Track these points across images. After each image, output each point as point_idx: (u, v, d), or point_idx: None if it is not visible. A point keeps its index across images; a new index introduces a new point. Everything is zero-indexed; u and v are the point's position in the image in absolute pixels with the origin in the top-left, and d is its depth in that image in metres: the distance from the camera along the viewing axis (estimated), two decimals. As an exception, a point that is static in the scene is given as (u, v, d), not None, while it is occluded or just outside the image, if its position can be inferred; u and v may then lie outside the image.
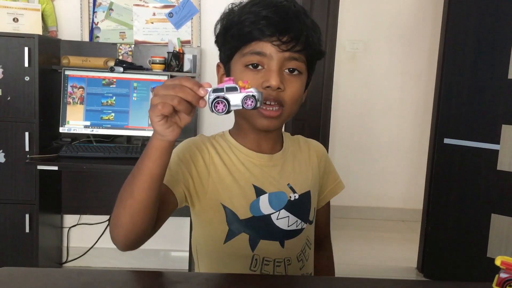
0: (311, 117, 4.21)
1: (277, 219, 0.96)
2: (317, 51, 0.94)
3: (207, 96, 0.69)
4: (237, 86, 0.70)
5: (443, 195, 2.88)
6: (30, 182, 2.46)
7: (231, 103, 0.69)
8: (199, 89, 0.69)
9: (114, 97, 2.62)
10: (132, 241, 0.78)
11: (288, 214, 0.97)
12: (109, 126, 2.61)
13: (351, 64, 4.08)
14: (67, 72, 2.58)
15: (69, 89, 2.58)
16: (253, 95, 0.70)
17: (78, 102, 2.59)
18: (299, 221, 0.98)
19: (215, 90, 0.70)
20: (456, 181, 2.81)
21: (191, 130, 2.71)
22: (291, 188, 0.98)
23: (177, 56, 2.72)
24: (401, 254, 3.38)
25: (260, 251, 0.95)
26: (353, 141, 4.14)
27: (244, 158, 0.97)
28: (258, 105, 0.70)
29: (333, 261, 1.21)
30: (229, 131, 1.03)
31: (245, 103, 0.70)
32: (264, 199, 0.95)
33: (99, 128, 2.60)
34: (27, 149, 2.42)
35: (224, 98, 0.69)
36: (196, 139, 0.98)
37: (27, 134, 2.41)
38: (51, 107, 2.58)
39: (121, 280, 0.55)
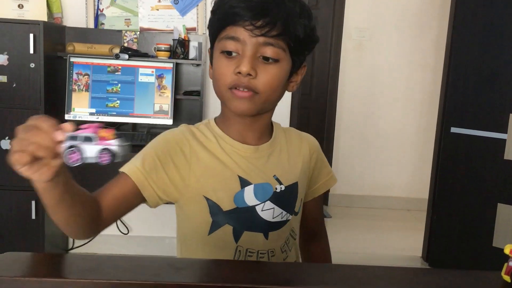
0: (317, 106, 4.19)
1: (262, 210, 0.94)
2: (301, 38, 0.88)
3: (65, 139, 0.61)
4: (94, 136, 0.62)
5: (449, 184, 2.86)
6: (36, 169, 2.46)
7: (86, 155, 0.62)
8: (55, 133, 0.61)
9: (119, 84, 2.61)
10: (81, 235, 0.77)
11: (273, 205, 0.95)
12: (115, 113, 2.61)
13: (357, 52, 4.05)
14: (72, 59, 2.57)
15: (75, 76, 2.57)
16: (109, 149, 0.62)
17: (84, 89, 2.58)
18: (284, 212, 0.97)
19: (70, 138, 0.62)
20: (462, 170, 2.79)
21: (196, 116, 2.70)
22: (277, 179, 0.96)
23: (183, 43, 2.71)
24: (406, 243, 3.38)
25: (243, 242, 0.94)
26: (359, 130, 4.12)
27: (229, 149, 0.94)
28: (118, 159, 0.62)
29: (329, 249, 1.19)
30: (215, 119, 1.00)
31: (100, 157, 0.62)
32: (249, 190, 0.93)
33: (105, 115, 2.60)
34: (32, 136, 2.42)
35: (78, 148, 0.61)
36: (176, 132, 0.95)
37: (32, 121, 2.41)
38: (56, 94, 2.58)
39: (125, 265, 0.55)
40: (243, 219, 0.93)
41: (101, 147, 0.61)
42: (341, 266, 0.58)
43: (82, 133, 0.62)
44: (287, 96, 3.03)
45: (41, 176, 0.63)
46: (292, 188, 0.99)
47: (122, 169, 0.88)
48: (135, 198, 0.87)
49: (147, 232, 2.96)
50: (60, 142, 0.61)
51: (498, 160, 2.60)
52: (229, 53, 0.87)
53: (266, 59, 0.86)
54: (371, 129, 4.11)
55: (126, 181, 0.86)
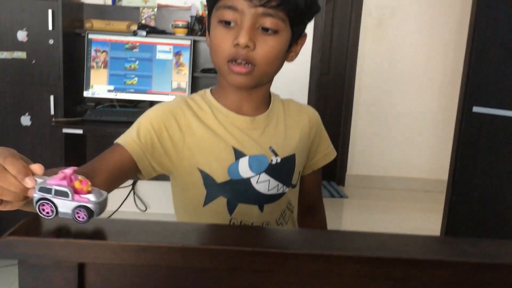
0: (335, 85, 4.14)
1: (257, 182, 0.92)
2: (302, 8, 0.85)
3: (36, 188, 0.54)
4: (68, 191, 0.53)
5: (470, 165, 2.81)
6: (56, 146, 2.49)
7: (60, 210, 0.54)
8: (25, 179, 0.55)
9: (137, 62, 2.60)
10: None
11: (268, 177, 0.93)
12: (132, 90, 2.60)
13: (377, 31, 3.97)
14: (90, 36, 2.57)
15: (93, 53, 2.57)
16: (85, 207, 0.53)
17: (102, 66, 2.58)
18: (280, 185, 0.95)
19: (42, 189, 0.54)
20: (484, 151, 2.74)
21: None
22: (273, 151, 0.94)
23: (200, 20, 2.68)
24: (424, 224, 3.36)
25: (238, 215, 0.92)
26: (378, 110, 4.07)
27: (224, 120, 0.92)
28: (95, 216, 0.54)
29: (326, 224, 1.18)
30: (211, 90, 0.97)
31: (77, 214, 0.53)
32: (243, 162, 0.91)
33: (123, 92, 2.60)
34: (52, 112, 2.44)
35: (51, 201, 0.54)
36: (172, 104, 0.93)
37: (52, 97, 2.43)
38: (75, 71, 2.59)
39: (153, 229, 0.54)
40: (237, 191, 0.91)
41: (76, 204, 0.53)
42: (369, 233, 0.56)
43: (56, 185, 0.54)
44: (305, 75, 2.99)
45: (13, 207, 0.59)
46: (289, 160, 0.96)
47: (117, 141, 0.86)
48: (130, 171, 0.85)
49: (164, 209, 2.98)
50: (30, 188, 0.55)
51: (522, 140, 2.55)
52: (227, 23, 0.83)
53: (265, 30, 0.83)
54: (390, 108, 4.05)
55: (122, 153, 0.84)
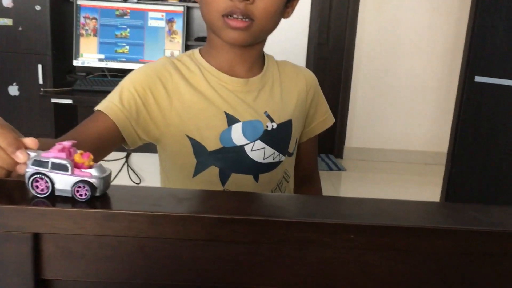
0: (334, 56, 4.05)
1: (251, 150, 0.86)
2: None
3: (29, 163, 0.48)
4: (68, 163, 0.47)
5: (471, 136, 2.76)
6: (46, 116, 2.42)
7: (57, 186, 0.47)
8: (16, 153, 0.48)
9: (128, 29, 2.51)
10: None
11: (264, 145, 0.86)
12: (124, 59, 2.52)
13: (377, -1, 3.86)
14: (79, 2, 2.46)
15: (82, 20, 2.47)
16: (88, 182, 0.47)
17: (92, 34, 2.49)
18: (276, 153, 0.88)
19: (36, 162, 0.47)
20: (485, 122, 2.68)
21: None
22: (269, 116, 0.87)
23: (194, -14, 2.58)
24: (423, 197, 3.32)
25: (231, 185, 0.87)
26: (377, 81, 3.98)
27: (215, 82, 0.85)
28: (98, 193, 0.47)
29: (322, 193, 1.13)
30: (200, 49, 0.90)
31: (77, 191, 0.47)
32: (237, 128, 0.84)
33: (114, 61, 2.51)
34: (41, 82, 2.36)
35: (47, 176, 0.47)
36: (158, 65, 0.86)
37: (40, 66, 2.35)
38: (63, 39, 2.50)
39: (120, 195, 0.48)
40: (230, 160, 0.85)
41: (77, 179, 0.47)
42: (367, 199, 0.50)
43: (52, 157, 0.47)
44: (303, 45, 2.90)
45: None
46: (285, 126, 0.90)
47: (98, 107, 0.79)
48: (115, 140, 0.79)
49: (159, 182, 2.93)
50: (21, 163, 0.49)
51: (525, 111, 2.49)
52: None
53: None
54: (390, 79, 3.97)
55: (104, 122, 0.77)
